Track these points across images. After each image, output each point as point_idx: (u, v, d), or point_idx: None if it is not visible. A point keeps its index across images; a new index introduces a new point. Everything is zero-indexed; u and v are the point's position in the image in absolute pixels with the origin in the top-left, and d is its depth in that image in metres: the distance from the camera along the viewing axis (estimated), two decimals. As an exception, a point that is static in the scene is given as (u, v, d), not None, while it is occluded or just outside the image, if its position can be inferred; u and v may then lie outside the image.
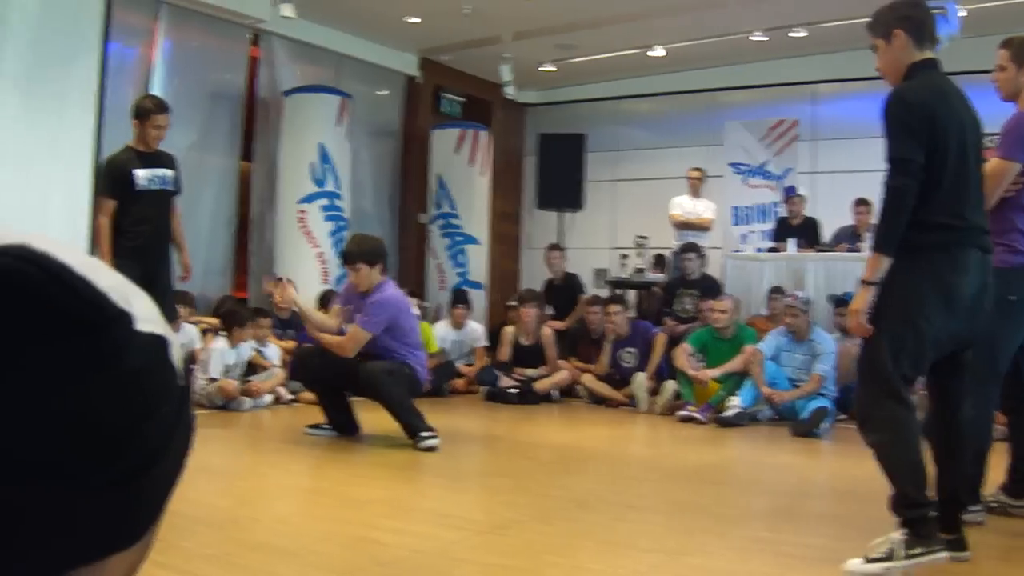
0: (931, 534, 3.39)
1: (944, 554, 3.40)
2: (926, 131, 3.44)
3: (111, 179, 6.63)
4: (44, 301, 0.57)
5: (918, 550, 3.36)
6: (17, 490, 0.56)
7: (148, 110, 6.63)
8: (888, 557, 3.39)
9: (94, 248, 6.88)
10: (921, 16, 3.69)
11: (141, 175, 6.59)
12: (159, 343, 0.65)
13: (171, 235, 6.96)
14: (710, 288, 9.70)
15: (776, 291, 9.39)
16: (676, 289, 10.14)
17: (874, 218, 9.73)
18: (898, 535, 3.41)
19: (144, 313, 0.64)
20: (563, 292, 10.90)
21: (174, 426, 0.66)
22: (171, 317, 6.80)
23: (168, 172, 6.77)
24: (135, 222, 6.57)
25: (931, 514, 3.41)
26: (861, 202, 9.92)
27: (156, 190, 6.67)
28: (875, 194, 9.66)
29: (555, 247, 11.19)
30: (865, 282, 3.56)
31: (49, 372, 0.57)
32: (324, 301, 9.37)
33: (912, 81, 3.62)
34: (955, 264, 3.49)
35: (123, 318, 0.62)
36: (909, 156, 3.43)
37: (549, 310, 10.64)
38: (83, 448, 0.58)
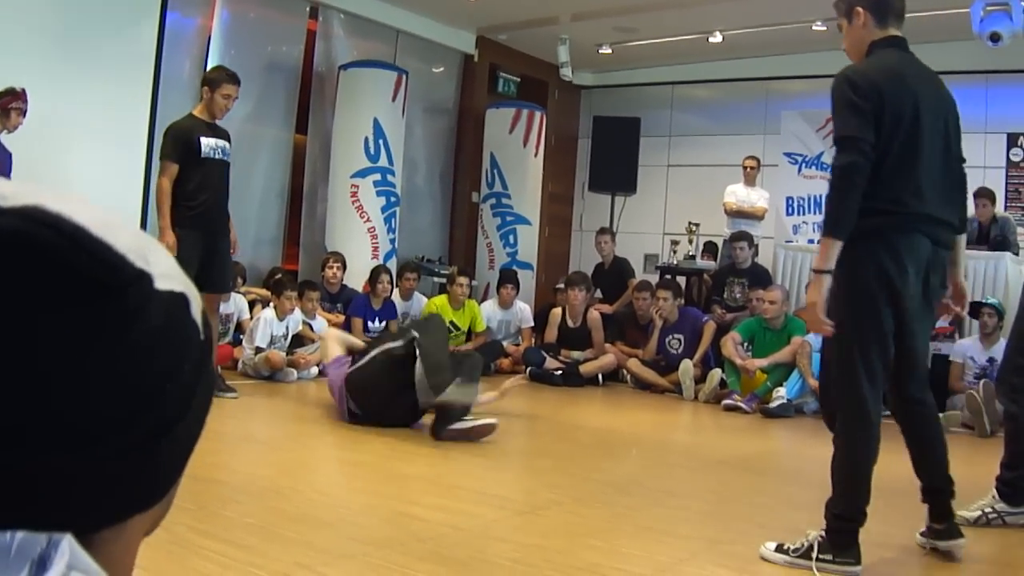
0: (847, 547, 3.37)
1: (856, 569, 3.36)
2: (873, 110, 3.31)
3: (176, 143, 6.59)
4: (60, 265, 0.57)
5: (828, 556, 3.36)
6: (43, 456, 0.56)
7: (219, 79, 6.67)
8: (796, 552, 3.42)
9: (148, 210, 6.90)
10: None
11: (206, 143, 6.60)
12: (180, 300, 0.64)
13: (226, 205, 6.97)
14: (760, 278, 9.64)
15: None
16: (726, 277, 10.09)
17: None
18: (815, 534, 3.42)
19: (163, 270, 0.63)
20: (611, 276, 10.88)
21: (195, 383, 0.65)
22: (230, 287, 6.82)
23: (227, 144, 6.79)
24: (197, 190, 6.57)
25: (855, 529, 3.38)
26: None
27: (218, 160, 6.69)
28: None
29: (605, 231, 11.16)
30: (818, 271, 3.40)
31: (69, 336, 0.56)
32: (371, 278, 9.40)
33: (865, 60, 3.54)
34: (892, 250, 3.35)
35: (142, 279, 0.61)
36: (858, 134, 3.30)
37: (597, 294, 10.63)
38: (106, 412, 0.58)
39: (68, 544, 0.57)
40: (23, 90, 6.87)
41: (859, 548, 3.39)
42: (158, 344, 0.61)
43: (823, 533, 3.41)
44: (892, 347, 3.47)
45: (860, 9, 3.57)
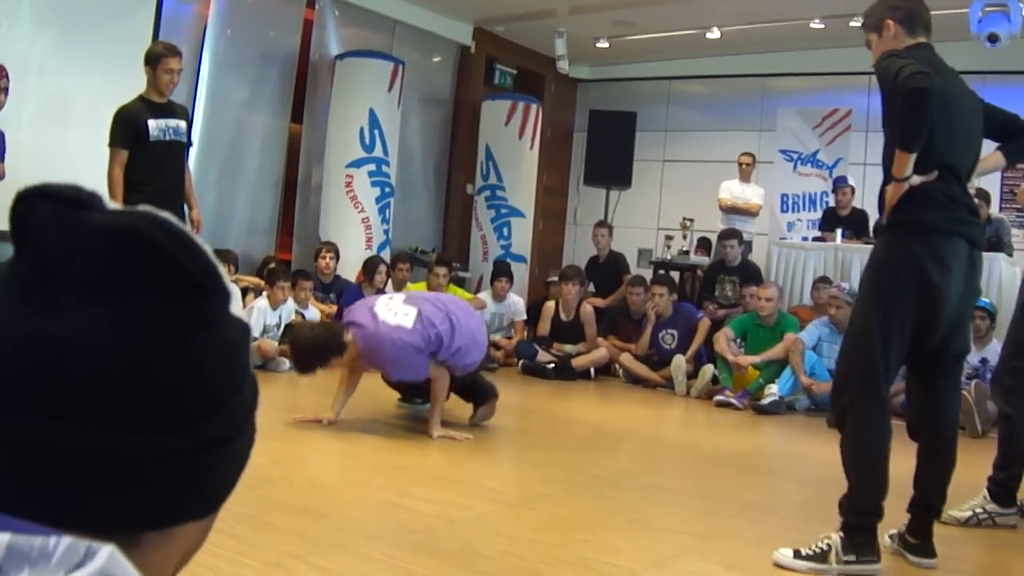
0: (867, 544, 3.33)
1: (877, 566, 3.33)
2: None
3: (123, 128, 6.38)
4: (169, 261, 0.64)
5: (851, 557, 3.32)
6: (108, 437, 0.61)
7: (159, 54, 6.44)
8: (819, 557, 3.35)
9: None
10: (912, 6, 3.55)
11: (153, 125, 6.40)
12: (246, 329, 0.72)
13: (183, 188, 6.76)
14: (751, 275, 9.65)
15: (821, 281, 9.29)
16: (716, 275, 10.09)
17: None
18: (836, 536, 3.36)
19: (235, 297, 0.71)
20: (606, 270, 10.87)
21: (251, 410, 0.73)
22: None
23: (181, 123, 6.59)
24: (147, 174, 6.38)
25: (874, 525, 3.34)
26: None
27: (169, 141, 6.48)
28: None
29: (602, 224, 11.13)
30: (897, 179, 3.34)
31: (165, 322, 0.64)
32: (368, 268, 9.37)
33: None
34: (936, 255, 3.33)
35: (227, 293, 0.69)
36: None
37: (590, 287, 10.62)
38: (182, 401, 0.64)
39: (109, 552, 0.59)
40: (1, 66, 6.66)
41: (879, 544, 3.36)
42: (230, 355, 0.68)
43: (842, 534, 3.35)
44: (909, 345, 3.43)
45: (890, 21, 3.54)
